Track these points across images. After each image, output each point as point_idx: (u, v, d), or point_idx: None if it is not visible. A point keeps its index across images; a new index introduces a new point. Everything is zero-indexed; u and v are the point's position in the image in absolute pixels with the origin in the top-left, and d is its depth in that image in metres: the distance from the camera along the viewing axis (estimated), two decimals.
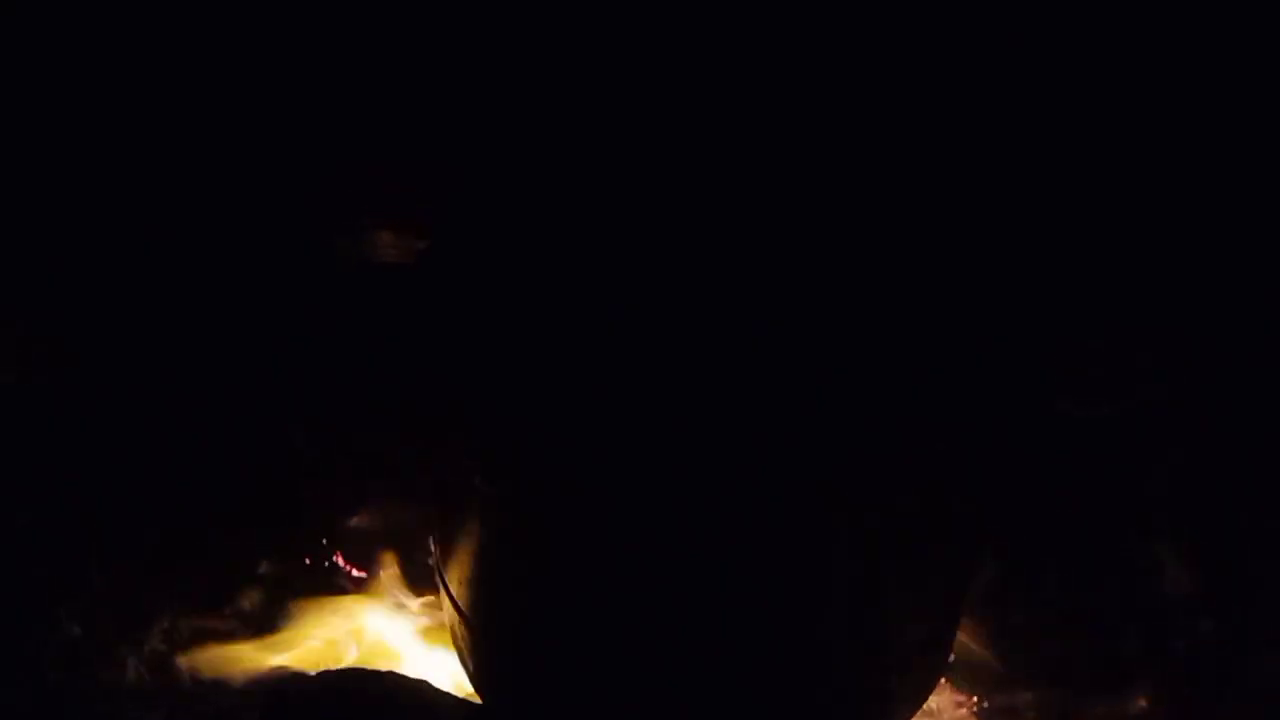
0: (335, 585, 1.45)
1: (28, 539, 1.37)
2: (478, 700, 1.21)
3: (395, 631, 1.39)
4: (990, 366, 1.27)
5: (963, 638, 1.35)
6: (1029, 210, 2.01)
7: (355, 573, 1.48)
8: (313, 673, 1.25)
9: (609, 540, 0.99)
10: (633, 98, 1.62)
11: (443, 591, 1.20)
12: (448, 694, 1.20)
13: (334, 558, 1.47)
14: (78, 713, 1.22)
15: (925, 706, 1.26)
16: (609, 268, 1.16)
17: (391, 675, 1.20)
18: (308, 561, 1.45)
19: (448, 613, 1.21)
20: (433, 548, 1.22)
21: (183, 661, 1.32)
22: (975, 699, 1.37)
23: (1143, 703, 1.34)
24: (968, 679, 1.38)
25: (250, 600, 1.42)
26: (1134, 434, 1.68)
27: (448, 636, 1.27)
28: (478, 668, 1.18)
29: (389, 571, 1.44)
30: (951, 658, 1.30)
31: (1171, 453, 1.67)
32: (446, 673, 1.31)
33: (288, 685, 1.24)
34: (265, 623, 1.38)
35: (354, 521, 1.46)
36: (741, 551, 0.98)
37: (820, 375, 1.08)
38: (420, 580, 1.43)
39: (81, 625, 1.32)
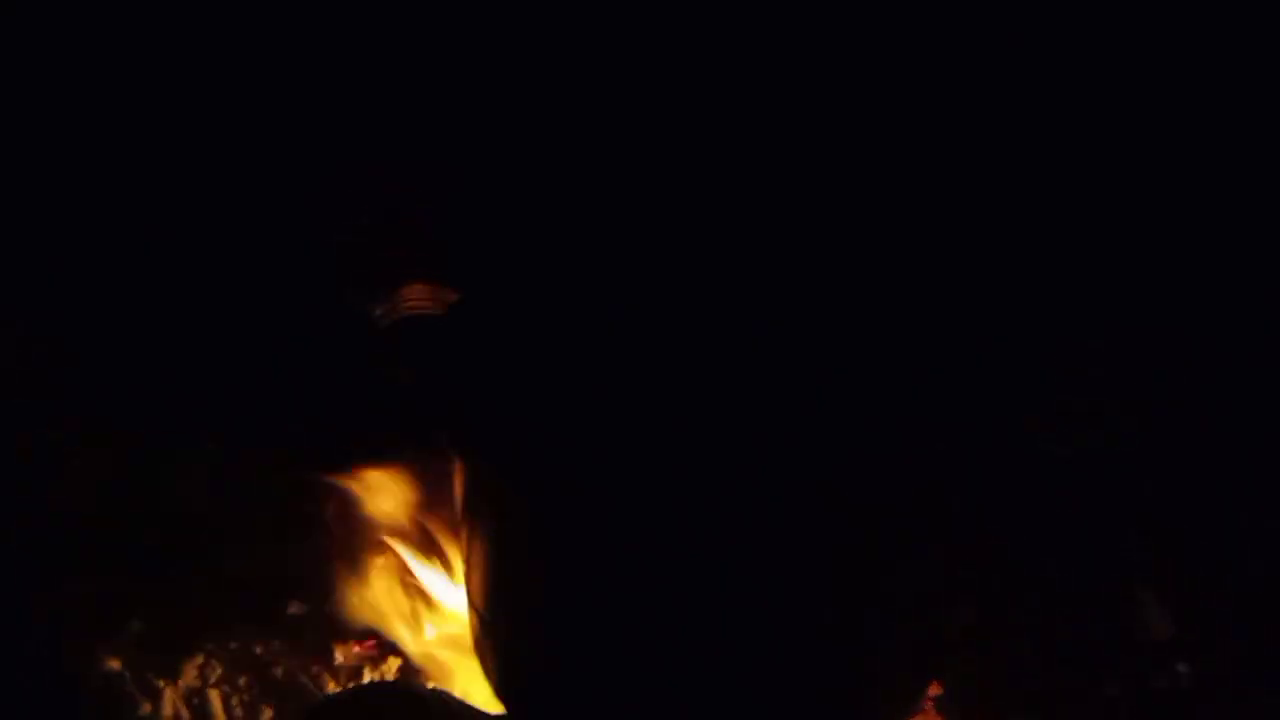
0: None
1: (62, 575, 1.40)
2: (499, 709, 1.22)
3: (421, 645, 1.42)
4: (972, 381, 1.27)
5: (952, 672, 1.40)
6: (1016, 216, 2.04)
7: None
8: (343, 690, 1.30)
9: (623, 550, 1.00)
10: (639, 108, 1.63)
11: (467, 602, 1.22)
12: (470, 706, 1.22)
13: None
14: None
15: None
16: (621, 281, 1.17)
17: (418, 688, 1.25)
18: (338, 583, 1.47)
19: (471, 623, 1.22)
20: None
21: (218, 692, 1.36)
22: None
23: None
24: (957, 713, 1.40)
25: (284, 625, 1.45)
26: (1112, 473, 1.76)
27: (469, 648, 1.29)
28: (500, 676, 1.19)
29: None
30: (941, 691, 1.36)
31: (1146, 490, 1.76)
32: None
33: (320, 704, 1.28)
34: (300, 646, 1.41)
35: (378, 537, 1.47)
36: (742, 556, 0.99)
37: (815, 385, 1.09)
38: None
39: (121, 660, 1.35)
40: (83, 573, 1.41)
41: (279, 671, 1.38)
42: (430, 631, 1.40)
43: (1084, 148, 2.19)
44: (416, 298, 1.13)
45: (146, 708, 1.30)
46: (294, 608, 1.45)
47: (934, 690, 1.40)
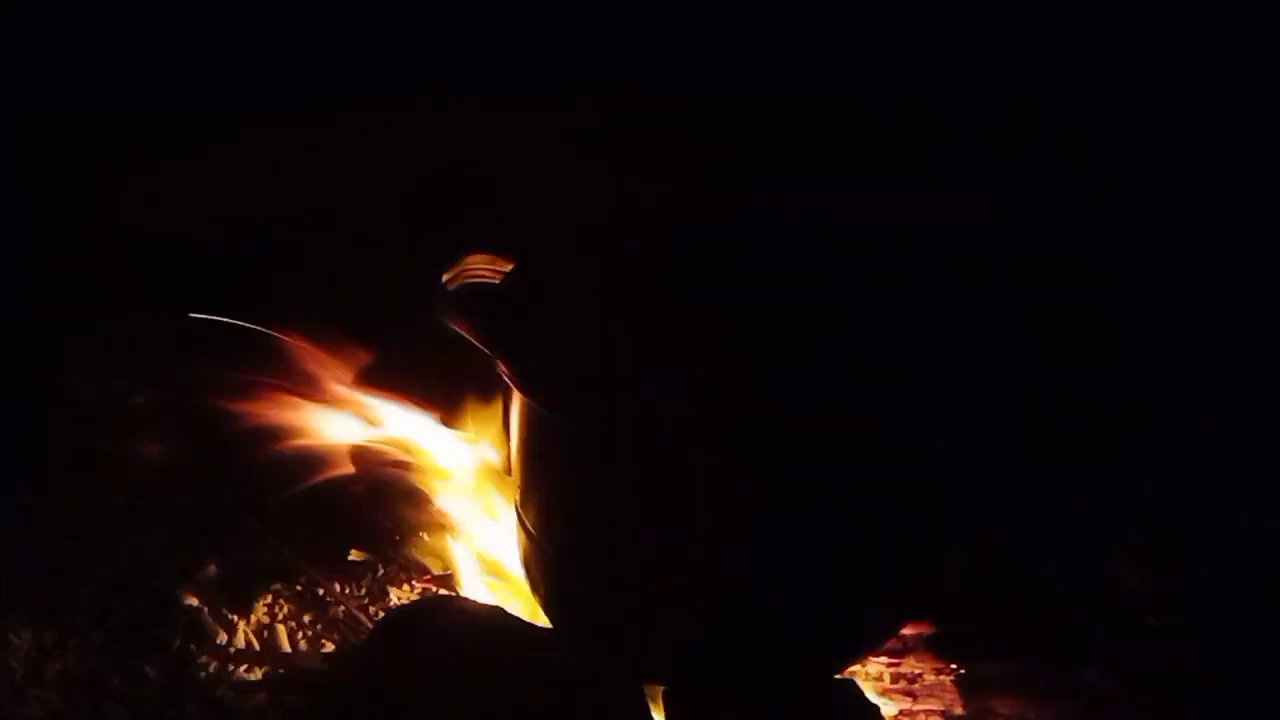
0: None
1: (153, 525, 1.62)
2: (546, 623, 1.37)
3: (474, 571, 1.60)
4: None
5: (944, 616, 1.57)
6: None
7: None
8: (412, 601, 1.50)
9: (660, 483, 1.14)
10: None
11: (519, 525, 1.33)
12: (521, 618, 1.37)
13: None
14: (195, 675, 1.42)
15: (909, 673, 1.53)
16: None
17: (474, 602, 1.41)
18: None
19: (522, 545, 1.34)
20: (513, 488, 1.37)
21: (284, 627, 1.55)
22: (953, 667, 1.55)
23: (1095, 675, 1.53)
24: (947, 650, 1.56)
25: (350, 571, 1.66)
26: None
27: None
28: (549, 592, 1.32)
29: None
30: (934, 630, 1.56)
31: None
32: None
33: (392, 613, 1.46)
34: (359, 588, 1.63)
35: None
36: (758, 494, 1.13)
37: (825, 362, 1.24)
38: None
39: (200, 597, 1.55)
40: (170, 524, 1.63)
41: (340, 610, 1.57)
42: (474, 565, 1.57)
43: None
44: (478, 266, 1.28)
45: (223, 637, 1.50)
46: (354, 555, 1.64)
47: (926, 630, 1.58)
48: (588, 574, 1.25)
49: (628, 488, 1.15)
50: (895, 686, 1.54)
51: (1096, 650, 1.55)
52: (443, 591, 1.61)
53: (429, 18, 2.22)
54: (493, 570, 1.56)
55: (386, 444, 1.60)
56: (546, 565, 1.29)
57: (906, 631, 1.55)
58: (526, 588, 1.39)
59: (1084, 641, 1.57)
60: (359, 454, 1.59)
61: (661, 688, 1.31)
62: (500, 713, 1.21)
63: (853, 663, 1.37)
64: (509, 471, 1.36)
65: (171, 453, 1.75)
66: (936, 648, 1.57)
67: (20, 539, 1.58)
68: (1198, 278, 2.17)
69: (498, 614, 1.35)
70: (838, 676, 1.34)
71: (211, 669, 1.46)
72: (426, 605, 1.43)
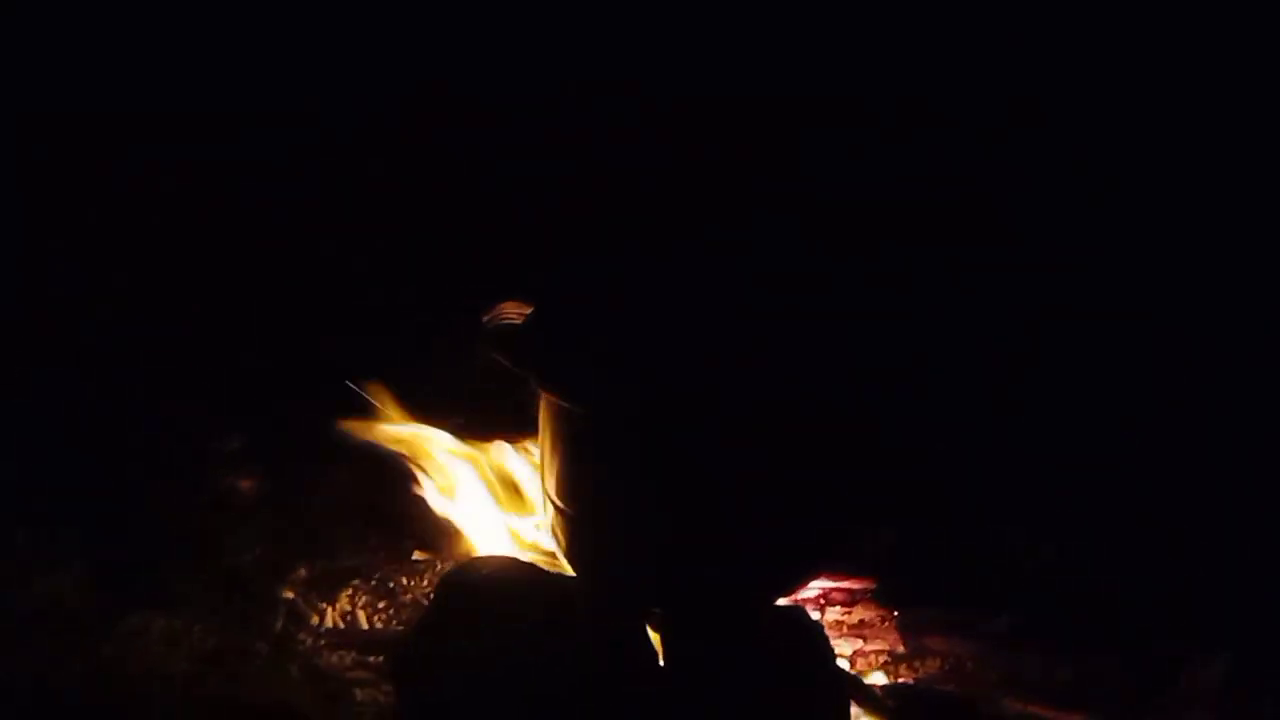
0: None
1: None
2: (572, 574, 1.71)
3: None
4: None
5: (885, 572, 1.93)
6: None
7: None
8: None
9: (654, 464, 1.52)
10: None
11: (547, 501, 1.69)
12: (551, 572, 1.70)
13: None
14: (295, 648, 1.78)
15: (855, 620, 1.89)
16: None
17: (514, 559, 1.72)
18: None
19: (550, 516, 1.69)
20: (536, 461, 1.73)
21: (364, 612, 1.91)
22: (893, 613, 1.89)
23: (1006, 620, 1.87)
24: (888, 599, 1.90)
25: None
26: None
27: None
28: (572, 548, 1.67)
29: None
30: (877, 584, 1.92)
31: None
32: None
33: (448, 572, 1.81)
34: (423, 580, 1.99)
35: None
36: (728, 474, 1.51)
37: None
38: None
39: (294, 591, 1.90)
40: (266, 537, 1.99)
41: (408, 598, 1.94)
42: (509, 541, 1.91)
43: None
44: (509, 310, 1.69)
45: (315, 620, 1.86)
46: (418, 554, 2.00)
47: (872, 584, 1.92)
48: (598, 529, 1.62)
49: (624, 460, 1.55)
50: (848, 632, 1.87)
51: (1008, 600, 1.89)
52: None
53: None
54: (526, 544, 1.90)
55: (439, 463, 1.94)
56: (568, 526, 1.65)
57: (855, 586, 1.91)
58: (552, 551, 1.76)
59: (999, 593, 1.90)
60: (417, 472, 1.94)
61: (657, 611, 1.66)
62: (534, 641, 1.54)
63: (794, 588, 1.73)
64: (539, 466, 1.72)
65: (263, 479, 2.09)
66: (880, 598, 1.90)
67: (150, 547, 1.93)
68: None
69: (529, 567, 1.69)
70: (791, 603, 1.71)
71: (308, 644, 1.80)
72: (475, 563, 1.73)
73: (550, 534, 1.73)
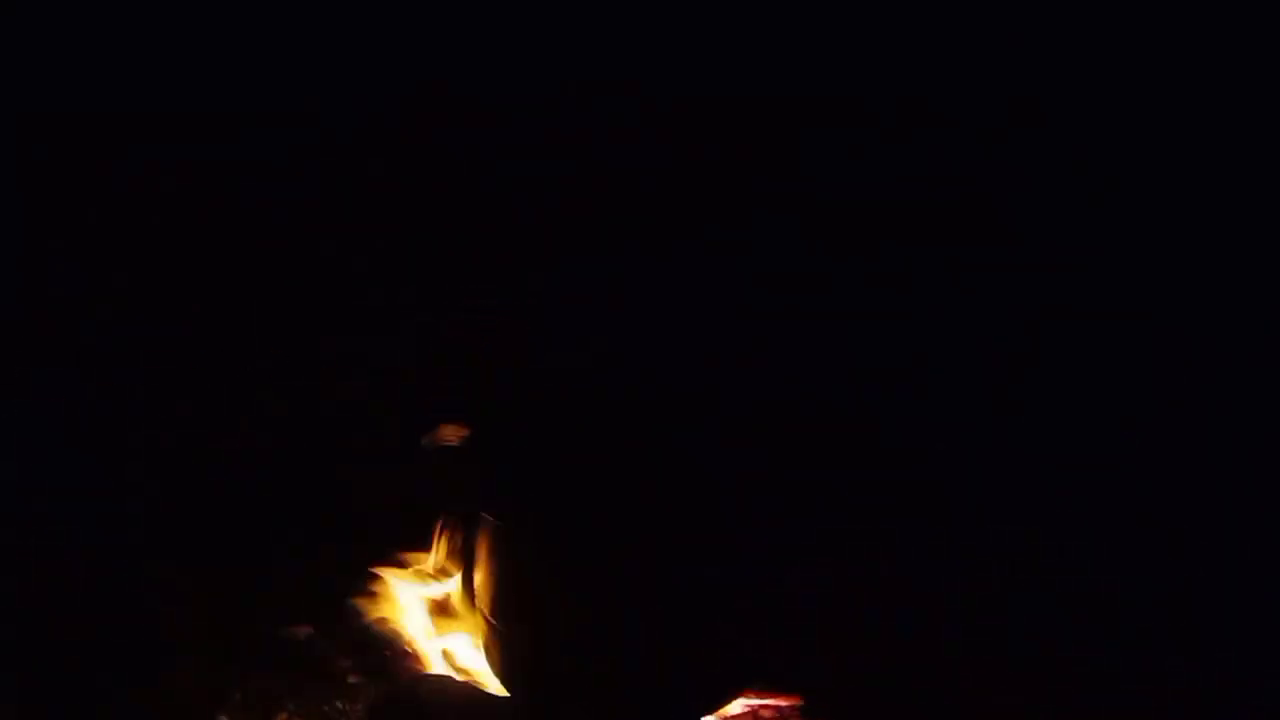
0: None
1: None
2: (504, 694, 1.80)
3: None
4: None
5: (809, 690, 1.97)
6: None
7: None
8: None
9: (586, 586, 1.68)
10: None
11: (474, 609, 1.81)
12: (486, 692, 1.79)
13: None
14: None
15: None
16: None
17: (450, 680, 1.83)
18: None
19: (483, 634, 1.80)
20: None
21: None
22: None
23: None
24: (814, 714, 1.95)
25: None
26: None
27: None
28: (505, 666, 1.77)
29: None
30: (803, 700, 1.94)
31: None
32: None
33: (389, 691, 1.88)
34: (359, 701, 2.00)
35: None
36: (651, 587, 1.69)
37: None
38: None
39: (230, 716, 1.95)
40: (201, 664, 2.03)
41: None
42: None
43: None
44: (448, 434, 1.87)
45: None
46: (353, 678, 2.00)
47: (797, 701, 1.96)
48: (529, 641, 1.74)
49: (556, 578, 1.70)
50: None
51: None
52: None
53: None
54: (457, 666, 1.96)
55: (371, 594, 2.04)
56: (499, 641, 1.77)
57: (782, 703, 1.95)
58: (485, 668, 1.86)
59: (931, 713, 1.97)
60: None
61: None
62: None
63: (721, 706, 1.84)
64: (468, 588, 1.85)
65: (199, 604, 2.12)
66: (807, 715, 1.95)
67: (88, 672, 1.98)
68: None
69: (463, 686, 1.81)
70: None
71: None
72: (411, 683, 1.85)
73: (484, 649, 1.82)
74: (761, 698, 1.93)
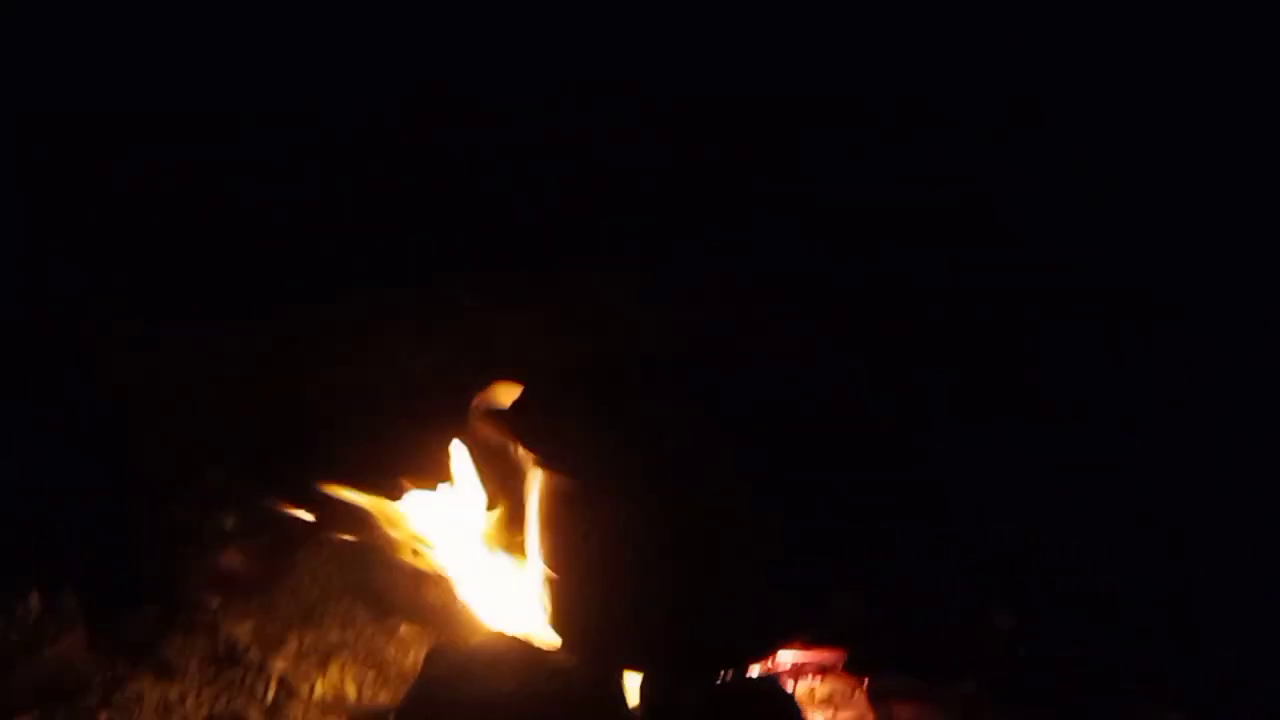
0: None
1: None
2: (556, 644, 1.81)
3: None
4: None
5: (854, 643, 2.00)
6: None
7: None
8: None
9: (638, 532, 1.67)
10: None
11: (532, 558, 1.80)
12: (536, 643, 1.80)
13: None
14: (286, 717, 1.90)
15: (826, 691, 1.96)
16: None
17: (502, 634, 1.83)
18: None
19: (535, 575, 1.81)
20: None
21: (354, 685, 2.00)
22: (862, 683, 1.97)
23: (971, 686, 1.96)
24: (857, 669, 1.98)
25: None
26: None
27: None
28: (559, 616, 1.79)
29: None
30: (847, 655, 1.99)
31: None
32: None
33: (440, 644, 1.92)
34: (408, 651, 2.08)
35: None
36: (699, 538, 1.66)
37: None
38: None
39: (286, 664, 2.00)
40: (256, 615, 2.10)
41: (395, 671, 2.02)
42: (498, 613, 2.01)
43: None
44: (500, 390, 1.83)
45: (305, 690, 1.94)
46: (404, 628, 2.09)
47: (842, 655, 1.99)
48: (582, 589, 1.74)
49: (613, 530, 1.68)
50: (819, 703, 1.94)
51: (973, 668, 1.98)
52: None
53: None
54: (508, 617, 1.98)
55: (421, 538, 2.06)
56: (552, 587, 1.77)
57: (826, 657, 1.98)
58: (535, 615, 1.85)
59: (964, 661, 1.99)
60: (402, 545, 2.07)
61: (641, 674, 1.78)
62: (518, 713, 1.66)
63: (767, 656, 1.89)
64: (522, 532, 1.85)
65: (256, 557, 2.18)
66: (850, 668, 1.98)
67: (147, 622, 2.04)
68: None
69: (514, 640, 1.80)
70: (764, 674, 1.88)
71: (299, 714, 1.89)
72: (461, 636, 1.90)
73: (538, 602, 1.83)
74: (804, 651, 1.96)
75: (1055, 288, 2.22)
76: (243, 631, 2.03)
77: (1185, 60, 2.11)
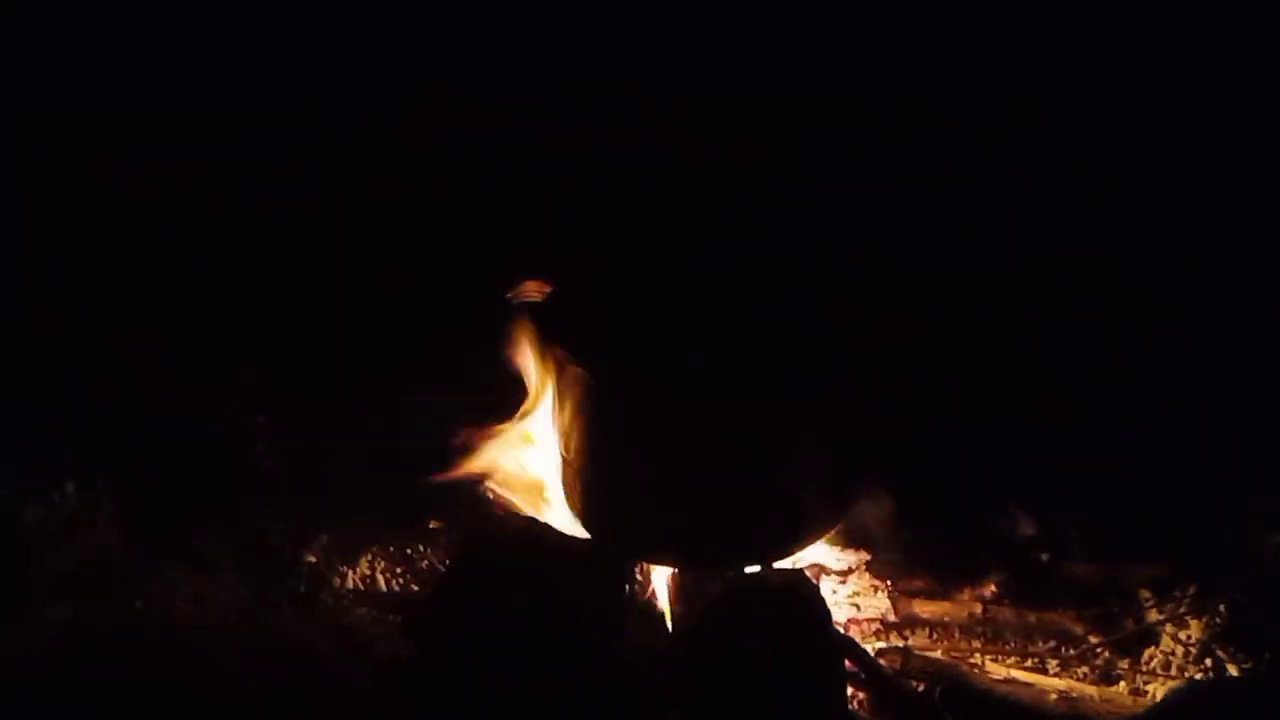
0: None
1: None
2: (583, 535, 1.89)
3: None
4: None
5: (878, 546, 2.11)
6: None
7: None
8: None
9: (657, 426, 1.74)
10: None
11: (560, 454, 1.88)
12: (563, 535, 1.84)
13: None
14: (319, 607, 1.91)
15: (850, 590, 2.05)
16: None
17: (529, 525, 1.90)
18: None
19: (562, 471, 1.90)
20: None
21: (383, 576, 2.08)
22: (886, 583, 2.07)
23: (992, 587, 2.09)
24: (881, 572, 2.09)
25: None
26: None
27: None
28: (583, 506, 1.87)
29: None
30: (871, 557, 2.09)
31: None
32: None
33: (472, 533, 2.04)
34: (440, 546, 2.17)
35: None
36: (725, 433, 1.72)
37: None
38: None
39: (317, 556, 2.02)
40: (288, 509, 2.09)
41: (424, 564, 2.12)
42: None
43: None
44: (532, 288, 1.89)
45: (337, 582, 2.00)
46: (433, 524, 2.17)
47: (866, 557, 2.08)
48: (609, 483, 1.82)
49: (642, 424, 1.75)
50: (844, 601, 2.03)
51: (994, 572, 2.10)
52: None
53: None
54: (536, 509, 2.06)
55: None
56: (578, 480, 1.85)
57: (850, 559, 2.07)
58: (560, 503, 1.95)
59: (985, 566, 2.11)
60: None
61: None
62: (545, 599, 1.70)
63: (793, 551, 1.90)
64: (552, 425, 1.92)
65: (287, 452, 2.20)
66: (873, 571, 2.08)
67: (181, 514, 2.03)
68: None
69: (544, 528, 1.85)
70: (791, 568, 1.90)
71: (331, 604, 1.93)
72: (492, 526, 1.98)
73: (562, 486, 1.91)
74: (831, 550, 2.04)
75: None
76: (274, 525, 2.02)
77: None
